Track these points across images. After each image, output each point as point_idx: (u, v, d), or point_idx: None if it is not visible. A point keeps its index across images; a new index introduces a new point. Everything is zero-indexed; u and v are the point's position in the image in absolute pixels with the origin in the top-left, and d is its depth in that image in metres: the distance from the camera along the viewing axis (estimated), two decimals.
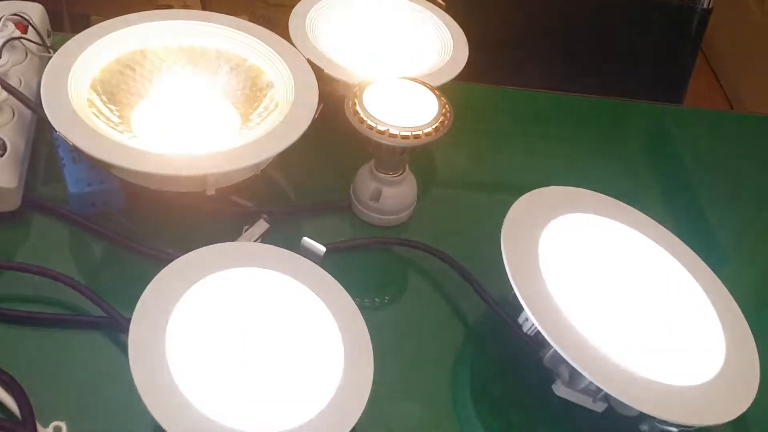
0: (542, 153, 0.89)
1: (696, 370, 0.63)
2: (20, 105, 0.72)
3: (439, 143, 0.69)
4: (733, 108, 2.07)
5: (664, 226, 0.73)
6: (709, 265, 0.71)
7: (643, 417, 0.62)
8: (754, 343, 0.66)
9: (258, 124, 0.72)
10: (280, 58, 0.75)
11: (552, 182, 0.71)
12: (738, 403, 0.61)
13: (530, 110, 0.95)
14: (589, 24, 1.25)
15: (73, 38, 0.73)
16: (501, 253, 0.62)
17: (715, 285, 0.69)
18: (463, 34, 0.84)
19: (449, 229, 0.77)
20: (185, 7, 1.77)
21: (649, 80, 1.26)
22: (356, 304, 0.60)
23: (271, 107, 0.73)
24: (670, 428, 0.62)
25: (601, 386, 0.57)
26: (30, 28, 0.79)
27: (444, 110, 0.69)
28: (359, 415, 0.54)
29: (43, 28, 0.81)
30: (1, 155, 0.68)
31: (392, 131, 0.67)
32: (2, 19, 0.76)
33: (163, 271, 0.59)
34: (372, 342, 0.59)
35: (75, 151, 0.68)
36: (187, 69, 0.77)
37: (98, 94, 0.72)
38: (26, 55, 0.77)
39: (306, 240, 0.67)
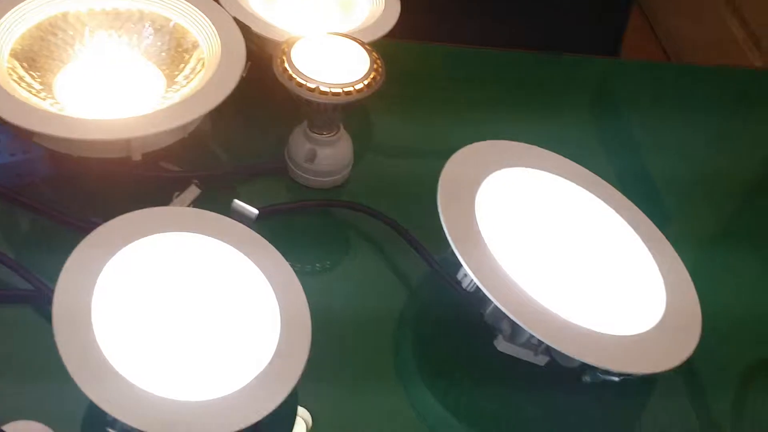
0: (479, 109, 0.87)
1: (637, 320, 0.63)
2: None
3: (373, 102, 0.67)
4: (670, 59, 2.08)
5: (603, 179, 0.72)
6: (651, 218, 0.70)
7: (584, 368, 0.62)
8: (695, 293, 0.66)
9: (184, 85, 0.69)
10: (206, 17, 0.72)
11: (489, 138, 0.70)
12: (678, 351, 0.61)
13: (465, 67, 0.94)
14: None
15: None
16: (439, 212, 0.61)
17: (657, 237, 0.69)
18: None
19: (387, 189, 0.75)
20: None
21: (585, 33, 1.26)
22: (295, 269, 0.59)
23: (197, 68, 0.70)
24: (612, 378, 0.62)
25: (540, 338, 0.56)
26: None
27: (375, 66, 0.67)
28: (296, 381, 0.53)
29: None
30: None
31: (322, 88, 0.65)
32: None
33: (87, 238, 0.56)
34: (311, 307, 0.57)
35: None
36: (110, 32, 0.74)
37: (19, 61, 0.69)
38: None
39: (236, 203, 0.65)
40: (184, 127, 0.65)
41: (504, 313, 0.57)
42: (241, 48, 0.70)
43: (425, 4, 0.97)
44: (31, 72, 0.69)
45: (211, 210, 0.61)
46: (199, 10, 0.73)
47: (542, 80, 0.95)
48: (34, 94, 0.67)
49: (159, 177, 0.70)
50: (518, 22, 1.23)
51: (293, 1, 0.83)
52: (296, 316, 0.56)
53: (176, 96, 0.68)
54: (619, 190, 0.72)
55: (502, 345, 0.62)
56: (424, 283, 0.69)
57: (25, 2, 0.70)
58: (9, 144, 0.67)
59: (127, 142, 0.63)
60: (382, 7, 0.79)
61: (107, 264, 0.55)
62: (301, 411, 0.59)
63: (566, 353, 0.56)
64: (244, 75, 0.68)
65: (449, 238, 0.59)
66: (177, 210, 0.62)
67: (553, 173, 0.70)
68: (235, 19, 0.73)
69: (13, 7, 0.70)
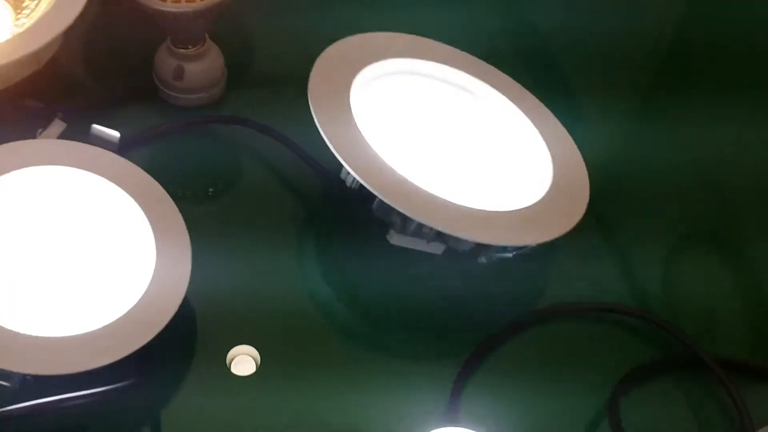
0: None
1: (524, 195, 0.62)
2: None
3: (238, 5, 0.64)
4: None
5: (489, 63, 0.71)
6: (538, 97, 0.69)
7: (479, 249, 0.61)
8: (582, 162, 0.66)
9: (31, 12, 0.65)
10: None
11: (369, 31, 0.68)
12: (566, 220, 0.61)
13: None
14: None
15: None
16: None
17: (544, 114, 0.68)
18: None
19: (264, 97, 0.72)
20: None
21: None
22: (174, 195, 0.57)
23: None
24: (506, 254, 0.62)
25: (426, 222, 0.56)
26: None
27: None
28: (175, 310, 0.51)
29: None
30: None
31: None
32: None
33: None
34: (193, 235, 0.55)
35: None
36: None
37: None
38: None
39: (95, 128, 0.62)
40: (35, 56, 0.61)
41: (389, 205, 0.56)
42: None
43: None
44: None
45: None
46: None
47: None
48: None
49: (21, 114, 0.66)
50: None
51: None
52: (174, 250, 0.54)
53: (26, 24, 0.63)
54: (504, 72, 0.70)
55: (394, 238, 0.62)
56: (312, 189, 0.68)
57: None
58: None
59: None
60: None
61: None
62: (250, 349, 0.58)
63: (451, 233, 0.56)
64: None
65: (323, 134, 0.57)
66: (37, 143, 0.59)
67: (432, 61, 0.69)
68: None
69: None
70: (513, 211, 0.60)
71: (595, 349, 0.63)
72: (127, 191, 0.56)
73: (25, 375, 0.48)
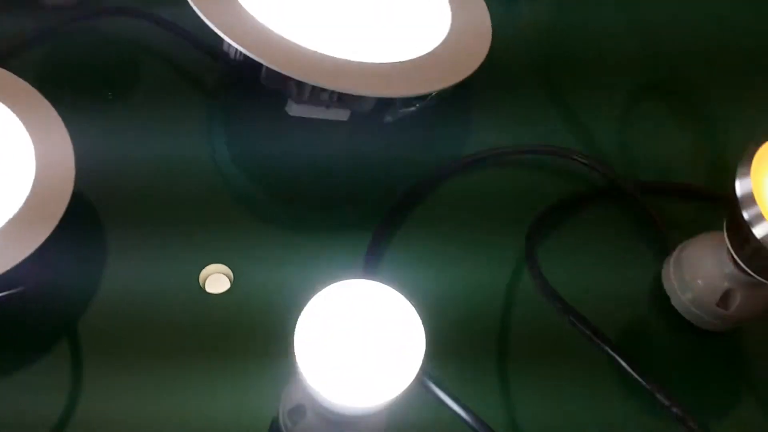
0: None
1: (421, 45, 0.60)
2: None
3: None
4: None
5: None
6: None
7: (382, 107, 0.60)
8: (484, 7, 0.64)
9: None
10: None
11: None
12: (464, 66, 0.59)
13: None
14: None
15: None
16: None
17: None
18: None
19: None
20: None
21: None
22: (61, 99, 0.53)
23: None
24: (410, 109, 0.61)
25: (313, 82, 0.53)
26: None
27: None
28: (62, 211, 0.49)
29: None
30: None
31: None
32: None
33: None
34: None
35: None
36: None
37: None
38: None
39: None
40: None
41: (275, 72, 0.53)
42: None
43: None
44: None
45: None
46: None
47: None
48: None
49: None
50: None
51: None
52: (55, 148, 0.51)
53: None
54: None
55: (293, 109, 0.59)
56: (209, 72, 0.65)
57: None
58: None
59: None
60: None
61: None
62: (223, 268, 0.56)
63: (348, 90, 0.54)
64: None
65: (192, 4, 0.53)
66: None
67: None
68: None
69: None
70: (409, 60, 0.58)
71: (517, 194, 0.62)
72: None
73: None
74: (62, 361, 0.51)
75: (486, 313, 0.55)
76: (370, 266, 0.55)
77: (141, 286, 0.53)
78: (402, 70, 0.57)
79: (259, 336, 0.52)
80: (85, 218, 0.56)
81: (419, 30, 0.61)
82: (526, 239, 0.56)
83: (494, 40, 0.62)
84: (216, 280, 0.55)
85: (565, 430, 0.52)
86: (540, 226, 0.58)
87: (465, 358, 0.53)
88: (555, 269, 0.56)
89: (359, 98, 0.58)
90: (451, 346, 0.52)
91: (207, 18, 0.52)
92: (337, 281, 0.40)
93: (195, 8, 0.53)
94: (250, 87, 0.60)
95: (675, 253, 0.57)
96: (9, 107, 0.53)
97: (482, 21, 0.63)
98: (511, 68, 0.68)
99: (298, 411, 0.44)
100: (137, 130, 0.61)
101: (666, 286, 0.57)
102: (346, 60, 0.55)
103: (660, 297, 0.57)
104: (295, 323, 0.39)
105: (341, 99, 0.59)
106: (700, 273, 0.54)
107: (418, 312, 0.39)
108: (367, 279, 0.41)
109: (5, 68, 0.55)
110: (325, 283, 0.40)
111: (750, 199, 0.47)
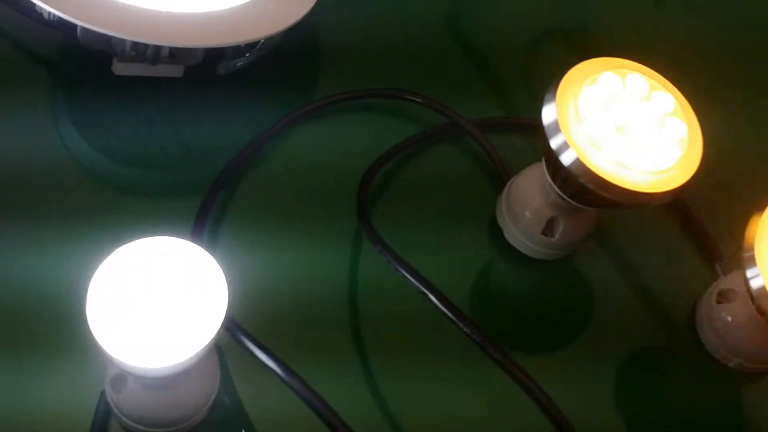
0: None
1: None
2: None
3: None
4: None
5: None
6: None
7: (214, 60, 0.59)
8: None
9: None
10: None
11: None
12: (292, 13, 0.58)
13: None
14: None
15: None
16: None
17: None
18: None
19: None
20: None
21: None
22: None
23: None
24: (243, 59, 0.60)
25: (117, 34, 0.51)
26: None
27: None
28: None
29: None
30: None
31: None
32: None
33: None
34: None
35: None
36: None
37: None
38: None
39: None
40: None
41: (92, 31, 0.51)
42: None
43: None
44: None
45: None
46: None
47: None
48: None
49: None
50: None
51: None
52: None
53: None
54: None
55: (118, 68, 0.58)
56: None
57: None
58: None
59: None
60: None
61: None
62: None
63: (149, 41, 0.52)
64: None
65: None
66: None
67: None
68: None
69: None
70: (236, 7, 0.56)
71: (354, 143, 0.61)
72: None
73: None
74: None
75: (316, 272, 0.55)
76: (198, 230, 0.53)
77: None
78: (220, 19, 0.55)
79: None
80: None
81: None
82: (359, 188, 0.56)
83: None
84: None
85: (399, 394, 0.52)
86: (374, 173, 0.58)
87: (295, 326, 0.53)
88: (391, 214, 0.57)
89: (187, 51, 0.57)
90: (280, 313, 0.53)
91: None
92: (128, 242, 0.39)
93: None
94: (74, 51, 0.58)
95: (506, 188, 0.58)
96: None
97: None
98: (349, 19, 0.67)
99: (119, 379, 0.44)
100: None
101: (499, 220, 0.58)
102: (155, 10, 0.53)
103: (497, 232, 0.58)
104: None
105: (172, 54, 0.58)
106: (526, 204, 0.55)
107: (228, 269, 0.39)
108: (170, 237, 0.41)
109: None
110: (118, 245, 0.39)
111: (555, 128, 0.48)
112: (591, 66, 0.50)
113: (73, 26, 0.54)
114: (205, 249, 0.41)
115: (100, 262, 0.39)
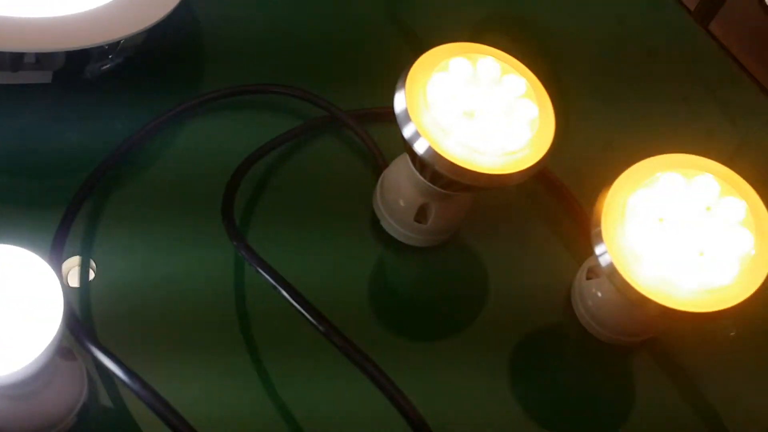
0: None
1: None
2: None
3: None
4: None
5: None
6: None
7: (76, 63, 0.58)
8: None
9: None
10: None
11: None
12: (152, 14, 0.57)
13: None
14: None
15: None
16: None
17: None
18: None
19: None
20: None
21: None
22: None
23: None
24: (110, 63, 0.59)
25: None
26: None
27: None
28: None
29: None
30: None
31: None
32: None
33: None
34: None
35: None
36: None
37: None
38: None
39: None
40: None
41: None
42: None
43: None
44: None
45: None
46: None
47: None
48: None
49: None
50: None
51: None
52: None
53: None
54: None
55: None
56: None
57: None
58: None
59: None
60: None
61: None
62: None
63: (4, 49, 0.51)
64: None
65: None
66: None
67: None
68: None
69: None
70: (93, 9, 0.56)
71: (231, 142, 0.60)
72: None
73: None
74: None
75: (190, 274, 0.55)
76: (61, 236, 0.52)
77: None
78: (75, 22, 0.55)
79: None
80: None
81: None
82: (227, 184, 0.56)
83: None
84: None
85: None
86: (244, 169, 0.57)
87: (169, 329, 0.53)
88: (270, 210, 0.57)
89: (47, 56, 0.57)
90: (153, 315, 0.53)
91: None
92: None
93: None
94: None
95: (380, 179, 0.58)
96: None
97: None
98: (224, 17, 0.67)
99: None
100: None
101: (375, 210, 0.58)
102: (4, 16, 0.52)
103: (375, 222, 0.59)
104: None
105: (39, 60, 0.57)
106: (398, 193, 0.56)
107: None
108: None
109: None
110: None
111: (405, 116, 0.48)
112: (442, 52, 0.51)
113: None
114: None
115: None
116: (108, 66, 0.60)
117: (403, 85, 0.49)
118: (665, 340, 0.56)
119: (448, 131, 0.48)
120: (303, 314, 0.45)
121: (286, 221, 0.59)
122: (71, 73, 0.59)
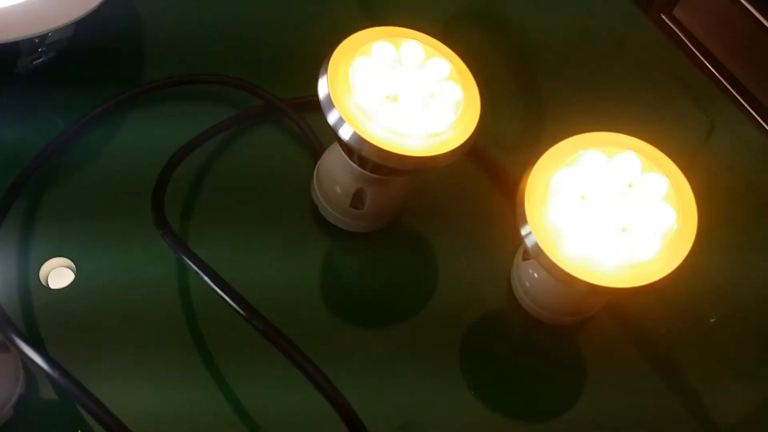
0: None
1: None
2: None
3: None
4: None
5: None
6: None
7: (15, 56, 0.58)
8: None
9: None
10: None
11: None
12: (78, 7, 0.57)
13: None
14: None
15: None
16: None
17: None
18: None
19: None
20: None
21: None
22: None
23: None
24: (42, 57, 0.59)
25: None
26: None
27: None
28: None
29: None
30: None
31: None
32: None
33: None
34: None
35: None
36: None
37: None
38: None
39: None
40: None
41: None
42: None
43: None
44: None
45: None
46: None
47: None
48: None
49: None
50: None
51: None
52: None
53: None
54: None
55: None
56: None
57: None
58: None
59: None
60: None
61: None
62: (66, 261, 0.53)
63: None
64: None
65: None
66: None
67: None
68: None
69: None
70: (21, 3, 0.55)
71: (167, 134, 0.59)
72: None
73: None
74: None
75: (126, 272, 0.54)
76: None
77: None
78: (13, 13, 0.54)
79: None
80: None
81: None
82: (158, 176, 0.55)
83: None
84: None
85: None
86: (176, 161, 0.56)
87: (108, 327, 0.52)
88: (207, 202, 0.57)
89: None
90: (86, 315, 0.52)
91: None
92: None
93: None
94: None
95: (317, 166, 0.58)
96: None
97: None
98: (158, 11, 0.67)
99: None
100: None
101: (314, 198, 0.58)
102: None
103: (314, 209, 0.58)
104: None
105: None
106: (334, 179, 0.56)
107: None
108: None
109: None
110: None
111: (329, 102, 0.48)
112: (365, 36, 0.51)
113: None
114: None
115: None
116: (41, 60, 0.59)
117: (326, 71, 0.49)
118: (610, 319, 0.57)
119: (372, 116, 0.48)
120: (223, 298, 0.44)
121: (225, 213, 0.58)
122: (2, 68, 0.59)
